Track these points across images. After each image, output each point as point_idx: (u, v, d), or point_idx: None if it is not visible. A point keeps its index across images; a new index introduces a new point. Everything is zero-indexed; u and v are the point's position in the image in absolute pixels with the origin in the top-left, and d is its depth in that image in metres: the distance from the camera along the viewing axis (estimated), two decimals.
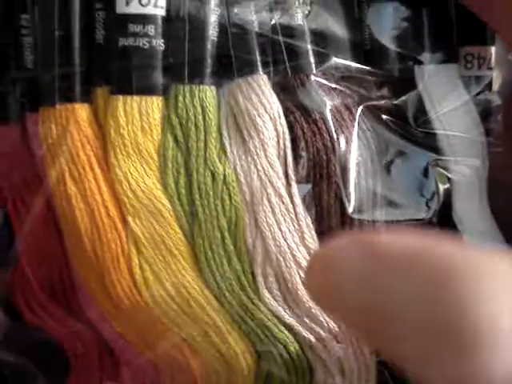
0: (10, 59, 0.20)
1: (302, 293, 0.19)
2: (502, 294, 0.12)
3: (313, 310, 0.19)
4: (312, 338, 0.20)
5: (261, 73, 0.19)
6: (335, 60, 0.19)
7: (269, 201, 0.19)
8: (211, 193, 0.19)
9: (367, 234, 0.16)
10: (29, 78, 0.19)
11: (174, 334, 0.20)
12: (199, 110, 0.19)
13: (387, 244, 0.14)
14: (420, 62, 0.20)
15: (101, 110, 0.19)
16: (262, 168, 0.19)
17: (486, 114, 0.21)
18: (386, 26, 0.20)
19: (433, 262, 0.13)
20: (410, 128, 0.20)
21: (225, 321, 0.20)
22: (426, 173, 0.20)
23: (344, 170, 0.19)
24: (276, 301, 0.19)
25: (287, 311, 0.19)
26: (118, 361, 0.21)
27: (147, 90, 0.19)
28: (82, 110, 0.19)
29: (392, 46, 0.20)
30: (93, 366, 0.21)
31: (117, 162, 0.19)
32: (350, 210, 0.18)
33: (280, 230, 0.19)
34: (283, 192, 0.19)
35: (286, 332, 0.20)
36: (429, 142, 0.20)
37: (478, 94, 0.21)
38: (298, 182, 0.19)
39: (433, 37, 0.21)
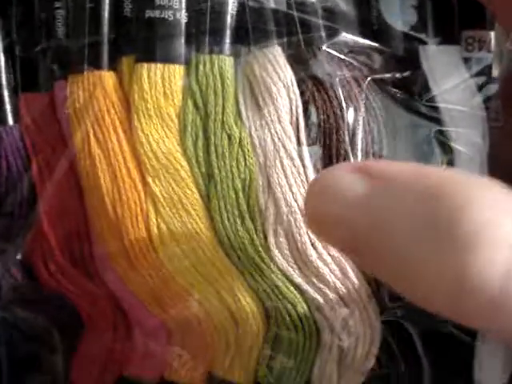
0: (42, 31, 0.22)
1: (311, 253, 0.21)
2: (499, 203, 0.14)
3: (321, 270, 0.21)
4: (319, 299, 0.21)
5: (276, 44, 0.21)
6: (344, 35, 0.21)
7: (281, 163, 0.21)
8: (227, 155, 0.21)
9: (362, 161, 0.17)
10: (59, 46, 0.22)
11: (187, 295, 0.22)
12: (218, 77, 0.21)
13: (382, 167, 0.15)
14: (424, 43, 0.23)
15: (126, 77, 0.22)
16: (276, 132, 0.21)
17: (486, 94, 0.23)
18: (393, 8, 0.23)
19: (429, 178, 0.14)
20: (415, 101, 0.22)
21: (237, 280, 0.21)
22: (429, 142, 0.22)
23: (352, 137, 0.21)
24: (286, 260, 0.21)
25: (296, 271, 0.21)
26: (131, 321, 0.23)
27: (170, 58, 0.21)
28: (108, 77, 0.21)
29: (398, 27, 0.23)
30: (106, 326, 0.23)
31: (139, 125, 0.21)
32: None
33: (291, 191, 0.21)
34: (295, 155, 0.21)
35: (294, 292, 0.21)
36: (432, 114, 0.22)
37: (477, 74, 0.23)
38: (309, 146, 0.21)
39: (436, 20, 0.23)
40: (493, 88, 0.23)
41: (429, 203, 0.14)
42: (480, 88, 0.23)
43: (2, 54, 0.22)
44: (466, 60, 0.23)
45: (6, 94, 0.22)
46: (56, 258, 0.23)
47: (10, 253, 0.23)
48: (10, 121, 0.22)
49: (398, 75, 0.22)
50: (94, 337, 0.23)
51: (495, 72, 0.24)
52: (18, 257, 0.23)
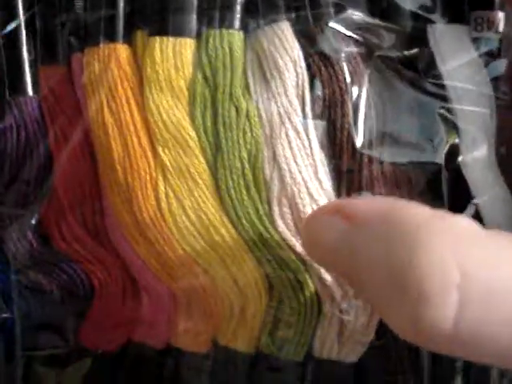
0: (61, 5, 0.24)
1: None
2: (453, 249, 0.14)
3: None
4: (321, 269, 0.22)
5: (284, 19, 0.22)
6: (352, 12, 0.22)
7: (286, 135, 0.22)
8: (234, 126, 0.22)
9: (344, 200, 0.19)
10: (77, 20, 0.23)
11: (193, 262, 0.23)
12: (227, 51, 0.22)
13: (355, 207, 0.17)
14: (433, 22, 0.24)
15: (139, 50, 0.23)
16: (282, 105, 0.22)
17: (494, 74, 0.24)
18: None
19: (389, 218, 0.15)
20: (420, 78, 0.23)
21: (241, 248, 0.23)
22: (434, 120, 0.23)
23: (356, 112, 0.22)
24: (289, 230, 0.22)
25: (299, 241, 0.22)
26: (140, 288, 0.25)
27: (182, 32, 0.22)
28: (122, 50, 0.23)
29: (407, 6, 0.23)
30: (116, 291, 0.25)
31: (151, 96, 0.22)
32: (359, 145, 0.22)
33: (296, 163, 0.22)
34: (300, 128, 0.22)
35: (297, 261, 0.22)
36: (438, 91, 0.23)
37: (486, 53, 0.24)
38: (314, 119, 0.22)
39: (446, 0, 0.24)
40: (501, 67, 0.24)
41: (384, 243, 0.15)
42: (488, 67, 0.24)
43: (23, 28, 0.24)
44: (475, 40, 0.24)
45: (26, 66, 0.24)
46: (69, 223, 0.24)
47: (26, 218, 0.24)
48: (30, 92, 0.24)
49: (404, 52, 0.23)
50: (103, 302, 0.25)
51: (504, 52, 0.24)
52: (33, 222, 0.24)
